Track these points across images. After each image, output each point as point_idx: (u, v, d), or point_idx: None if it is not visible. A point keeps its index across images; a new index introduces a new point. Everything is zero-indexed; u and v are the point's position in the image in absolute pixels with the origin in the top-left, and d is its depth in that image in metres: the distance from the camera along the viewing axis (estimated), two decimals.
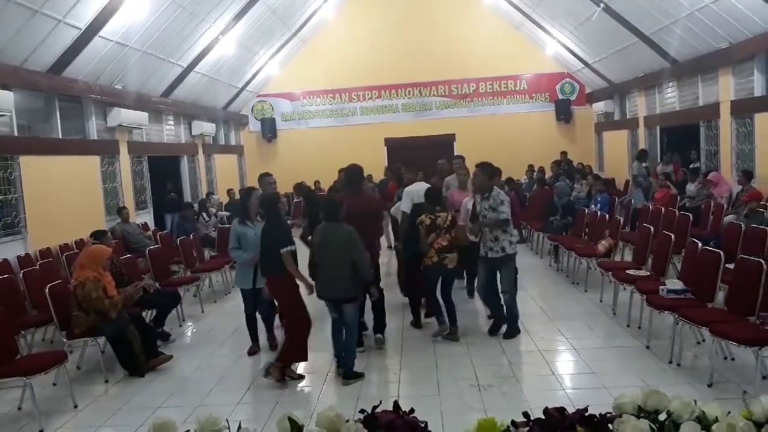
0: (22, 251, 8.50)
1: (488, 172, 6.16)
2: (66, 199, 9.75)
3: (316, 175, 17.07)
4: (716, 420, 1.52)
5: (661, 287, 5.58)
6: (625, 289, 6.60)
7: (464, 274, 7.64)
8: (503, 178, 13.13)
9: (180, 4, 10.59)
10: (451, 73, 18.26)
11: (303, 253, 5.58)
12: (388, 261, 9.81)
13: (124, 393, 5.31)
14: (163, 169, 14.09)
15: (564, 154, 15.88)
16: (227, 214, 13.13)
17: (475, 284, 6.72)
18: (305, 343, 5.31)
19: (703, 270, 5.40)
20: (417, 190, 6.59)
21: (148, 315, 6.89)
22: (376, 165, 16.93)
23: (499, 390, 4.85)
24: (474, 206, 6.31)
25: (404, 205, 6.76)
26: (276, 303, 5.66)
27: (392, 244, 11.30)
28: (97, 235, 7.02)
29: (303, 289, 5.33)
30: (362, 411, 1.61)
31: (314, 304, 5.59)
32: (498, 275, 6.16)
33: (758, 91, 10.25)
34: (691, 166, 12.57)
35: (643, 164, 12.45)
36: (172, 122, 14.68)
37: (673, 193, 10.69)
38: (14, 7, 7.62)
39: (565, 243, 8.97)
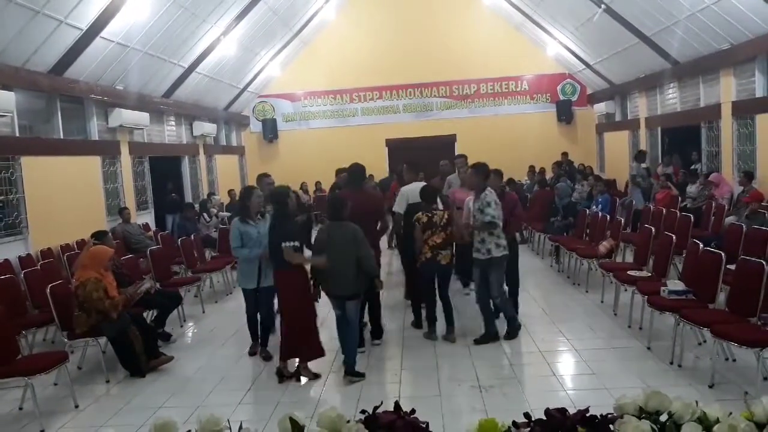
0: (23, 251, 8.51)
1: (481, 173, 6.15)
2: (67, 200, 9.76)
3: (317, 175, 17.10)
4: (717, 421, 1.52)
5: (662, 288, 5.58)
6: (626, 289, 6.59)
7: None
8: (504, 179, 13.19)
9: (181, 5, 10.60)
10: (452, 73, 18.27)
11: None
12: (388, 261, 9.82)
13: (125, 393, 5.31)
14: (164, 170, 14.10)
15: (565, 155, 15.87)
16: (228, 214, 13.12)
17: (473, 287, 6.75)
18: (305, 342, 5.34)
19: (705, 271, 5.40)
20: (412, 189, 6.63)
21: (149, 315, 6.90)
22: (377, 166, 16.94)
23: (500, 391, 4.85)
24: None
25: (397, 206, 6.81)
26: (280, 298, 5.62)
27: (392, 244, 11.33)
28: (98, 236, 7.02)
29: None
30: (363, 411, 1.61)
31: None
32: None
33: (759, 92, 10.24)
34: (692, 167, 12.57)
35: (643, 165, 12.45)
36: (173, 123, 14.69)
37: (674, 194, 10.68)
38: (16, 7, 7.63)
39: (566, 244, 8.97)
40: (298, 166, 17.62)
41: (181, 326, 7.39)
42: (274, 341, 6.21)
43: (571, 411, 1.59)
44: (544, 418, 1.57)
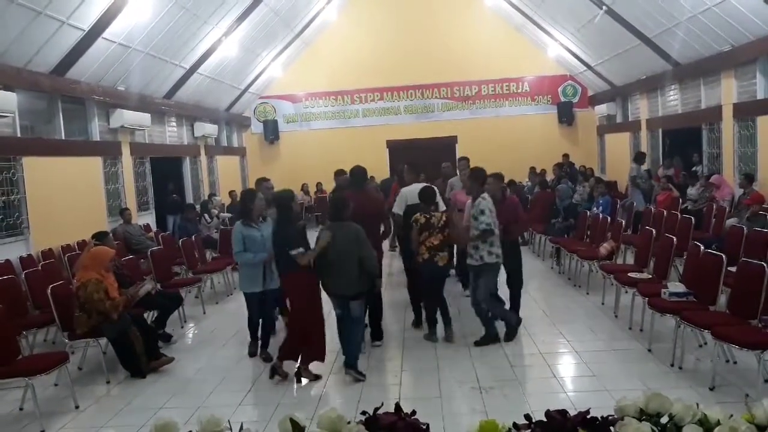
0: (24, 252, 8.51)
1: (478, 178, 6.12)
2: (68, 200, 9.77)
3: (318, 177, 17.11)
4: (718, 423, 1.52)
5: (663, 290, 5.57)
6: (626, 291, 6.58)
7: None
8: (505, 180, 13.18)
9: (183, 6, 10.61)
10: (453, 75, 18.28)
11: None
12: (389, 262, 9.82)
13: (126, 394, 5.31)
14: (165, 171, 14.11)
15: (566, 156, 15.87)
16: (229, 215, 13.15)
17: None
18: (308, 344, 5.36)
19: (705, 273, 5.40)
20: (411, 191, 6.65)
21: (149, 316, 6.90)
22: (377, 167, 16.93)
23: (500, 392, 4.85)
24: None
25: (396, 207, 6.84)
26: (288, 301, 5.61)
27: (394, 246, 11.34)
28: (99, 237, 7.02)
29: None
30: (364, 413, 1.61)
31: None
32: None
33: (761, 94, 10.24)
34: (692, 169, 12.57)
35: (643, 167, 12.45)
36: (174, 124, 14.71)
37: (675, 196, 10.68)
38: (18, 8, 7.64)
39: (567, 245, 8.97)
40: (299, 168, 17.64)
41: (182, 327, 7.40)
42: (275, 342, 6.23)
43: (572, 413, 1.59)
44: (545, 419, 1.57)
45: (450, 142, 17.88)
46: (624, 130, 16.59)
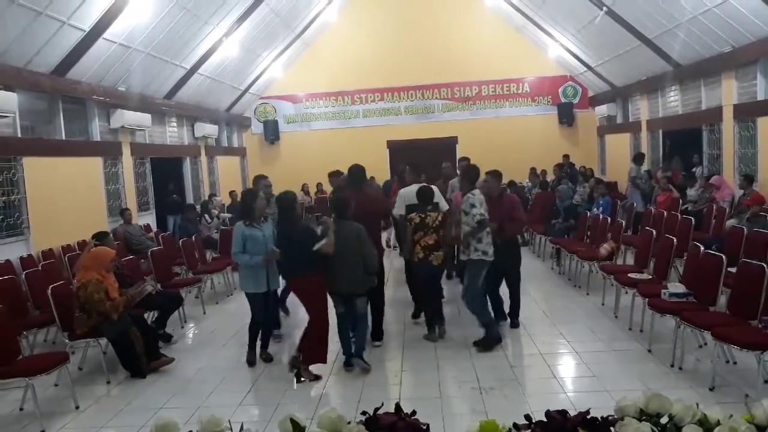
0: (24, 252, 8.51)
1: (468, 175, 6.14)
2: (69, 201, 9.77)
3: (319, 177, 17.06)
4: (718, 423, 1.52)
5: (663, 291, 5.57)
6: (627, 292, 6.58)
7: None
8: (506, 181, 13.18)
9: (184, 6, 10.62)
10: (454, 75, 18.28)
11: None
12: (389, 260, 9.82)
13: (126, 394, 5.31)
14: (165, 171, 14.12)
15: (566, 157, 15.87)
16: (229, 215, 13.15)
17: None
18: (326, 345, 5.46)
19: (705, 274, 5.40)
20: (410, 191, 6.69)
21: (149, 316, 6.90)
22: (378, 167, 16.92)
23: (500, 393, 4.85)
24: None
25: (397, 208, 6.89)
26: (304, 303, 5.61)
27: (391, 244, 11.36)
28: (99, 237, 7.03)
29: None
30: (364, 413, 1.61)
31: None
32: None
33: (761, 95, 10.24)
34: (693, 169, 12.57)
35: (643, 168, 12.45)
36: (174, 124, 14.71)
37: (675, 197, 10.68)
38: (18, 8, 7.64)
39: (567, 246, 8.97)
40: (300, 168, 17.62)
41: (182, 327, 7.40)
42: (274, 344, 6.24)
43: (572, 413, 1.59)
44: (545, 419, 1.57)
45: (450, 143, 17.87)
46: (624, 130, 16.59)
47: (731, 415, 1.56)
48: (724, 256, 5.26)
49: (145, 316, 6.57)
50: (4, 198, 8.59)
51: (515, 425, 1.58)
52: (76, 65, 9.44)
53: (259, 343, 5.94)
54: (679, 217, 8.65)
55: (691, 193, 10.74)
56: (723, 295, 5.39)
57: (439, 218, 6.15)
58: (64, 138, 10.13)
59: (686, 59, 12.04)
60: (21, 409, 5.03)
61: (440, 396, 4.85)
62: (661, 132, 14.60)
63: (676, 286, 5.62)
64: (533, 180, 14.15)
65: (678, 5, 10.37)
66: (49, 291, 5.65)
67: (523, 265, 6.88)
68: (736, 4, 9.26)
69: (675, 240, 6.39)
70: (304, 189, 17.26)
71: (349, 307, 5.56)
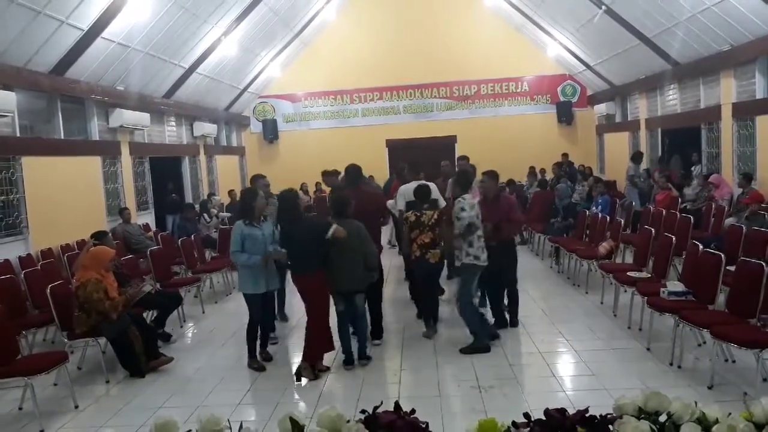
0: (23, 251, 8.51)
1: (460, 183, 6.09)
2: (68, 200, 9.77)
3: (318, 176, 16.99)
4: (716, 421, 1.53)
5: (661, 289, 5.58)
6: (625, 291, 6.59)
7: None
8: (505, 180, 13.19)
9: (182, 6, 10.61)
10: (453, 74, 18.28)
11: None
12: (388, 259, 9.81)
13: (125, 393, 5.31)
14: (164, 170, 14.11)
15: (565, 156, 15.88)
16: (228, 215, 13.14)
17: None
18: (330, 334, 5.53)
19: (704, 272, 5.40)
20: (410, 188, 6.73)
21: (149, 316, 6.90)
22: (377, 166, 16.95)
23: (499, 391, 4.85)
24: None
25: (399, 204, 6.98)
26: (310, 302, 5.59)
27: (393, 242, 11.38)
28: (98, 236, 7.02)
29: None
30: (363, 411, 1.61)
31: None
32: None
33: (760, 94, 10.24)
34: (692, 168, 12.57)
35: (642, 167, 12.46)
36: (173, 123, 14.70)
37: (674, 196, 10.68)
38: (17, 8, 7.64)
39: (566, 245, 8.97)
40: (299, 167, 17.62)
41: (181, 327, 7.40)
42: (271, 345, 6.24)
43: (571, 411, 1.59)
44: (544, 418, 1.57)
45: (449, 142, 17.88)
46: (623, 129, 16.60)
47: (730, 414, 1.56)
48: (722, 255, 5.26)
49: (144, 315, 6.57)
50: (2, 197, 8.58)
51: (514, 424, 1.58)
52: (74, 64, 9.43)
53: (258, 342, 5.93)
54: (678, 215, 8.66)
55: (688, 192, 10.74)
56: (722, 293, 5.39)
57: (435, 216, 6.17)
58: (62, 137, 10.12)
59: (685, 58, 12.04)
60: (20, 409, 5.03)
61: (439, 395, 4.86)
62: (659, 131, 14.61)
63: (675, 285, 5.62)
64: (530, 179, 14.17)
65: (677, 4, 10.37)
66: (48, 290, 5.65)
67: (522, 264, 6.88)
68: (735, 2, 9.26)
69: (674, 238, 6.39)
70: (303, 188, 17.25)
71: (349, 306, 5.62)
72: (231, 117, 17.83)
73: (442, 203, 6.83)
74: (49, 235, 9.06)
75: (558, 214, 10.29)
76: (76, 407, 5.01)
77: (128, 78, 11.24)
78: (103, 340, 5.80)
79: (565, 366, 5.55)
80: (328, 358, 5.61)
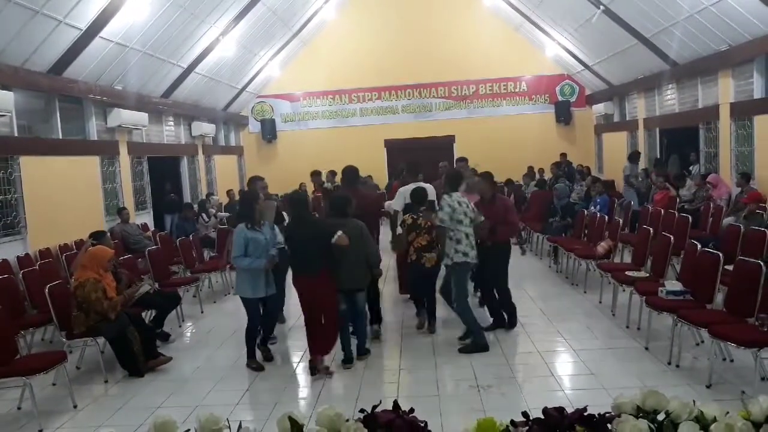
0: (21, 251, 8.50)
1: (449, 183, 6.08)
2: (66, 200, 9.75)
3: None
4: (714, 420, 1.53)
5: (660, 288, 5.58)
6: (624, 290, 6.60)
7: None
8: (504, 180, 13.20)
9: (180, 5, 10.60)
10: (451, 74, 18.28)
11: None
12: (387, 258, 9.81)
13: (124, 393, 5.31)
14: (163, 170, 14.10)
15: (564, 155, 15.87)
16: (227, 215, 13.13)
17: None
18: (335, 334, 5.58)
19: (702, 271, 5.41)
20: (408, 190, 6.73)
21: (147, 315, 6.90)
22: (375, 166, 16.98)
23: (498, 390, 4.86)
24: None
25: (396, 204, 7.02)
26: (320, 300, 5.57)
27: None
28: (97, 236, 7.02)
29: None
30: (362, 410, 1.61)
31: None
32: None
33: (758, 94, 10.26)
34: (690, 168, 12.59)
35: (640, 166, 12.47)
36: (172, 123, 14.69)
37: (673, 195, 10.69)
38: (15, 7, 7.62)
39: (565, 244, 8.98)
40: (297, 167, 17.56)
41: (180, 326, 7.39)
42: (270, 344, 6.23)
43: (569, 410, 1.59)
44: (542, 417, 1.57)
45: (448, 142, 17.89)
46: (621, 129, 16.61)
47: (728, 412, 1.56)
48: (721, 254, 5.27)
49: (143, 315, 6.57)
50: (1, 197, 8.57)
51: (513, 423, 1.59)
52: (72, 64, 9.42)
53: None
54: (676, 215, 8.66)
55: (684, 192, 10.74)
56: (720, 292, 5.40)
57: (429, 223, 6.20)
58: (60, 137, 10.11)
59: (683, 58, 12.05)
60: (19, 409, 5.02)
61: (438, 394, 4.86)
62: (658, 130, 14.62)
63: (673, 284, 5.62)
64: (525, 180, 14.19)
65: (675, 4, 10.38)
66: (47, 290, 5.64)
67: (521, 264, 6.87)
68: (733, 2, 9.27)
69: (672, 238, 6.40)
70: (302, 188, 17.21)
71: (350, 304, 5.65)
72: (229, 117, 17.81)
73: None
74: (47, 235, 9.05)
75: (556, 213, 10.29)
76: (75, 407, 5.01)
77: (126, 78, 11.23)
78: (101, 340, 5.79)
79: (564, 365, 5.55)
80: (326, 358, 5.60)
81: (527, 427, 1.57)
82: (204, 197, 14.75)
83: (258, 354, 5.84)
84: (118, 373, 5.73)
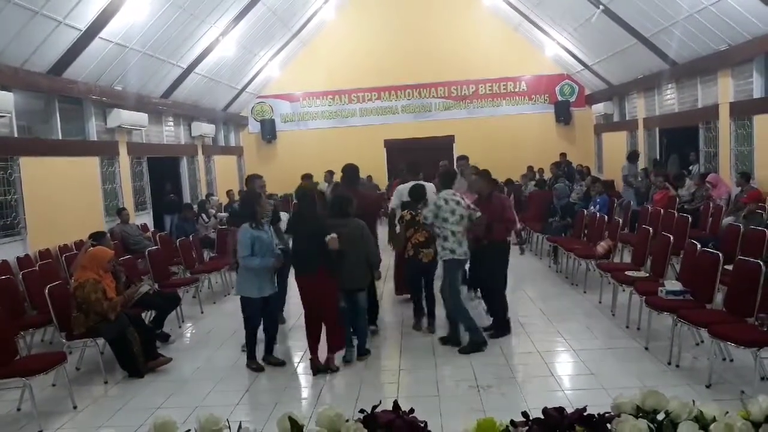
0: (21, 252, 8.50)
1: (442, 180, 6.21)
2: (66, 200, 9.75)
3: (316, 176, 17.05)
4: (714, 420, 1.53)
5: (660, 288, 5.58)
6: (624, 290, 6.60)
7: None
8: (503, 179, 13.20)
9: (180, 6, 10.59)
10: (451, 74, 18.28)
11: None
12: (386, 258, 9.82)
13: (124, 394, 5.31)
14: (162, 170, 14.09)
15: (563, 155, 15.87)
16: (226, 215, 13.12)
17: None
18: (338, 333, 5.60)
19: (702, 271, 5.41)
20: (407, 188, 6.77)
21: (147, 316, 6.89)
22: (375, 166, 16.99)
23: (498, 390, 4.86)
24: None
25: (393, 203, 7.09)
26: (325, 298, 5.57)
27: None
28: (96, 237, 7.01)
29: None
30: (362, 411, 1.61)
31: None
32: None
33: (757, 93, 10.26)
34: (689, 167, 12.59)
35: (639, 166, 12.47)
36: (171, 123, 14.69)
37: (672, 195, 10.70)
38: (15, 8, 7.62)
39: (565, 244, 8.98)
40: (297, 167, 17.42)
41: (180, 327, 7.39)
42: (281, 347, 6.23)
43: (569, 410, 1.59)
44: (542, 417, 1.57)
45: (448, 142, 17.89)
46: (621, 129, 16.62)
47: (727, 412, 1.57)
48: (720, 254, 5.27)
49: (143, 315, 6.57)
50: (0, 198, 8.57)
51: (513, 423, 1.59)
52: (72, 65, 9.42)
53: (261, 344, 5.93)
54: (676, 214, 8.67)
55: (682, 192, 10.75)
56: (720, 292, 5.41)
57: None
58: (60, 138, 10.11)
59: (683, 57, 12.06)
60: (18, 410, 5.01)
61: (438, 394, 4.86)
62: (657, 130, 14.63)
63: (673, 284, 5.62)
64: (524, 180, 14.19)
65: (674, 3, 10.39)
66: (47, 291, 5.64)
67: (521, 263, 6.88)
68: (733, 2, 9.28)
69: (672, 238, 6.40)
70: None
71: (351, 303, 5.67)
72: (229, 117, 17.82)
73: None
74: (47, 236, 9.05)
75: (556, 213, 10.30)
76: (75, 408, 5.01)
77: (126, 78, 11.23)
78: (101, 341, 5.79)
79: (564, 365, 5.55)
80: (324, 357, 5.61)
81: (527, 427, 1.57)
82: (204, 198, 14.75)
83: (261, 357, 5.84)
84: (117, 373, 5.73)
